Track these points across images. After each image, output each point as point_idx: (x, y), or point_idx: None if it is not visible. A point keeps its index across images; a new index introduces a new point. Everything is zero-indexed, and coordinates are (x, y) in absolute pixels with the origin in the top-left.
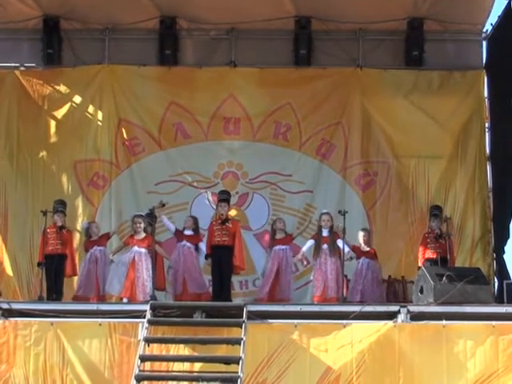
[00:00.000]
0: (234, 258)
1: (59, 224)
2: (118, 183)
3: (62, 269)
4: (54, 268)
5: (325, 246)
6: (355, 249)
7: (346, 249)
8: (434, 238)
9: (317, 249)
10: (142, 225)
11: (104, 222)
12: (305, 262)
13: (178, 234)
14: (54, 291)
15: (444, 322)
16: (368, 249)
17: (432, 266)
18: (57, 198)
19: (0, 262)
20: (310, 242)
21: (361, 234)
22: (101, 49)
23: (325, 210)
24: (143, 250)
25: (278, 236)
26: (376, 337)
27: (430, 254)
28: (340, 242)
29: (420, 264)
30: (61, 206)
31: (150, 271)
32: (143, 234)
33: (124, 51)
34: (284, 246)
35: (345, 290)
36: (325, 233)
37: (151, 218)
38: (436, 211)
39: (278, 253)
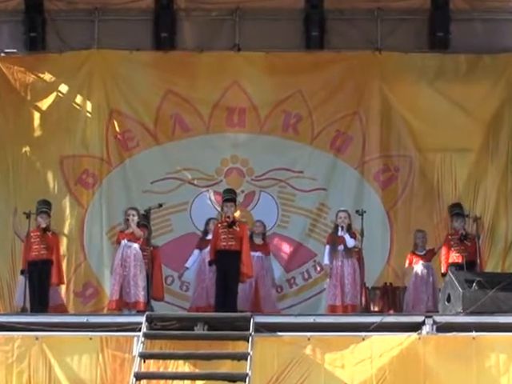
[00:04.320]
0: (243, 266)
1: (43, 226)
2: (110, 181)
3: (48, 277)
4: (39, 276)
5: (341, 248)
6: (411, 254)
7: (351, 242)
8: (459, 239)
9: (332, 251)
10: (136, 218)
11: (94, 225)
12: (318, 268)
13: (200, 241)
14: (39, 302)
15: (474, 333)
16: (424, 251)
17: (459, 271)
18: (40, 199)
19: None
20: (328, 249)
21: (418, 236)
22: (89, 32)
23: (342, 208)
24: (134, 245)
25: (256, 241)
26: (398, 350)
27: (454, 257)
28: (347, 236)
29: (443, 270)
30: (44, 207)
31: (143, 270)
32: (135, 228)
33: (115, 34)
34: (259, 253)
35: (363, 299)
36: (341, 232)
37: (147, 220)
38: (457, 209)
39: (255, 262)
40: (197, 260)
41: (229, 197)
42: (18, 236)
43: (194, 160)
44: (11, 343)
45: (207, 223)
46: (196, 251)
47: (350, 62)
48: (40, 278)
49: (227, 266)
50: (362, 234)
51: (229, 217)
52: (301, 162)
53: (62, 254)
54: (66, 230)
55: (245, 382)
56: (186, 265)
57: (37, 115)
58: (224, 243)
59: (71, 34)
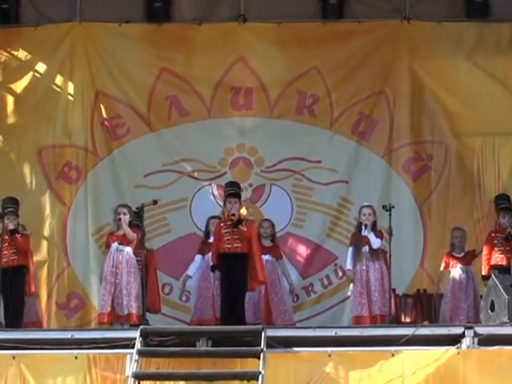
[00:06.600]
0: (253, 271)
1: (11, 227)
2: (96, 175)
3: (22, 285)
4: (12, 285)
5: (365, 249)
6: (447, 256)
7: (377, 243)
8: (505, 238)
9: (356, 253)
10: (128, 217)
11: (78, 225)
12: (340, 273)
13: (202, 245)
14: (14, 315)
15: None
16: (463, 253)
17: (504, 274)
18: (5, 197)
19: None
20: (350, 251)
21: (456, 235)
22: (70, 2)
23: (366, 203)
24: (126, 249)
25: (264, 243)
26: (435, 367)
27: (497, 259)
28: (372, 236)
29: (484, 273)
30: (11, 206)
31: (137, 278)
32: (127, 229)
33: (100, 4)
34: (269, 257)
35: (392, 308)
36: (365, 231)
37: (140, 219)
38: (505, 203)
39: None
40: (200, 266)
41: (232, 191)
42: None
43: (193, 149)
44: None
45: (208, 223)
46: (198, 257)
47: (374, 34)
48: (14, 288)
49: (233, 271)
50: (389, 233)
51: (233, 214)
52: (318, 151)
53: (42, 260)
54: (45, 232)
55: None
56: (188, 273)
57: (10, 99)
58: (228, 245)
59: (49, 4)
